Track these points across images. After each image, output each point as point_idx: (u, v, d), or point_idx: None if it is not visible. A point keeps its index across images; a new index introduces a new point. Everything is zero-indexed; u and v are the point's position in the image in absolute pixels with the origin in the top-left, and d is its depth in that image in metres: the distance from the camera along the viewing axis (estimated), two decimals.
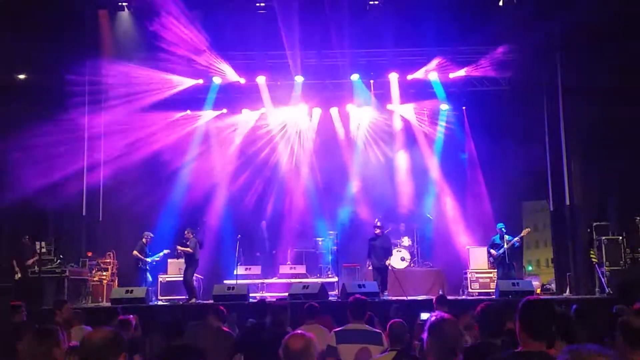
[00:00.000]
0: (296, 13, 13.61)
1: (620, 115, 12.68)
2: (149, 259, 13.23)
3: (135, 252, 13.04)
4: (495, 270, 13.31)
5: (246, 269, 14.20)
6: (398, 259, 14.25)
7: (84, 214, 14.23)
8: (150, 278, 13.35)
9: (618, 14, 12.11)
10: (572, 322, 5.07)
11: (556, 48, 14.01)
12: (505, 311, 4.29)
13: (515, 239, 13.03)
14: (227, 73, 15.20)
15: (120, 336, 2.88)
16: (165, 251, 13.55)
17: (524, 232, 13.26)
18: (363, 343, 5.16)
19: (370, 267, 13.62)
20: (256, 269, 14.38)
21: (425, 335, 3.13)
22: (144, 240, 13.22)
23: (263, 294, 13.61)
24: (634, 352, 3.57)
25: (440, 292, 10.78)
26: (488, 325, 4.27)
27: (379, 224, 13.38)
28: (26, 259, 12.58)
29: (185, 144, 15.74)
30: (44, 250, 12.59)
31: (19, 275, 12.37)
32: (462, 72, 15.09)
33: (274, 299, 11.52)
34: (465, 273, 13.90)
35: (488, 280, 13.55)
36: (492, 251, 13.20)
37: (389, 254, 13.13)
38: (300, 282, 12.46)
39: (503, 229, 13.16)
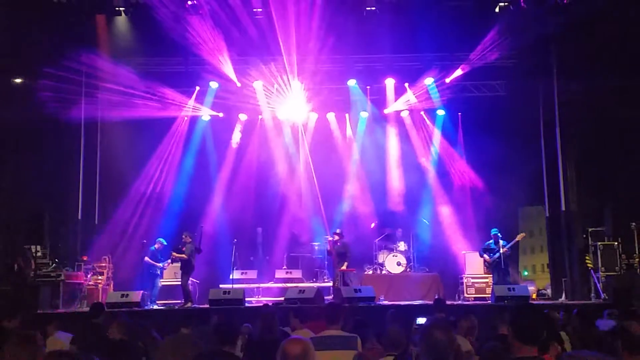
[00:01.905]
0: (293, 18, 13.65)
1: (616, 122, 12.74)
2: (160, 264, 13.22)
3: (146, 259, 13.03)
4: (491, 275, 13.31)
5: (242, 273, 14.17)
6: (394, 264, 14.25)
7: (79, 217, 14.20)
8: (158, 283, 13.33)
9: (616, 18, 12.18)
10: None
11: (552, 54, 14.07)
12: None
13: (511, 244, 13.03)
14: (223, 77, 15.20)
15: None
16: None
17: (518, 237, 13.26)
18: (338, 349, 5.11)
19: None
20: (252, 274, 14.34)
21: (418, 341, 3.15)
22: (156, 246, 13.22)
23: (259, 299, 13.59)
24: (633, 357, 3.59)
25: (437, 296, 10.81)
26: None
27: (338, 231, 13.58)
28: (29, 264, 12.42)
29: (181, 147, 15.72)
30: (39, 254, 12.51)
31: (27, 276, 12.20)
32: (458, 74, 15.10)
33: (269, 303, 11.51)
34: (461, 278, 13.90)
35: (484, 285, 13.55)
36: (486, 256, 13.19)
37: (344, 259, 13.16)
38: (296, 287, 12.45)
39: (498, 234, 13.17)
